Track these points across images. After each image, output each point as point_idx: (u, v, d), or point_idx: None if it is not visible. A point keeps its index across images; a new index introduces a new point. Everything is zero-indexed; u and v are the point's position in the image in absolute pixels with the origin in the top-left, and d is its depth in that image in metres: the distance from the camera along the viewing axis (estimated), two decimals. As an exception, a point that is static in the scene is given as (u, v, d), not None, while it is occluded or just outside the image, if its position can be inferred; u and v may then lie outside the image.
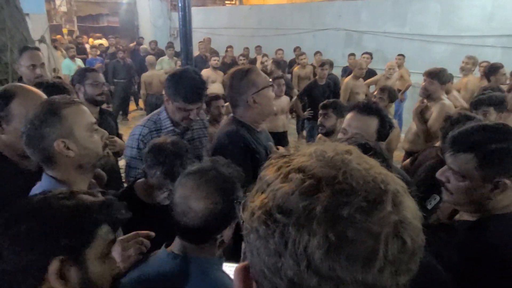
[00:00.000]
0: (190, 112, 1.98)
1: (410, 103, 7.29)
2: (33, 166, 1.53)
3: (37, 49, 3.01)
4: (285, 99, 4.85)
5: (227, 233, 1.19)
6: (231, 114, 2.02)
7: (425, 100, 3.58)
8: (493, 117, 2.54)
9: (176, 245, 1.20)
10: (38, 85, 2.21)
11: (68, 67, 7.28)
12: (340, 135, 1.80)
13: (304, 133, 6.01)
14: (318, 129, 3.27)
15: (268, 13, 10.94)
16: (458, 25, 7.48)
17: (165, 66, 8.06)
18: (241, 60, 7.24)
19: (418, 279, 0.49)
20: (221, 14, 12.08)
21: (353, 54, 7.70)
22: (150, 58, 7.63)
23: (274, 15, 10.71)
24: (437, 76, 3.44)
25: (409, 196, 0.49)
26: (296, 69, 7.48)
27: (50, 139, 1.26)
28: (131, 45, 10.68)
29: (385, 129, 1.75)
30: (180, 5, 2.41)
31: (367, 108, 1.75)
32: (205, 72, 6.30)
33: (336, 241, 0.42)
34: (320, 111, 3.07)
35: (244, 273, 0.53)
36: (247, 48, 9.72)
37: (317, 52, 8.20)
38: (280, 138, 4.40)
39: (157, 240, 1.28)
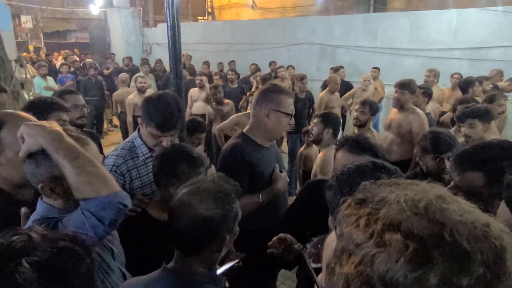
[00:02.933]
0: (163, 139, 1.86)
1: (384, 114, 7.51)
2: (29, 197, 1.46)
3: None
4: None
5: (220, 245, 1.21)
6: (244, 128, 2.11)
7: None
8: (479, 129, 2.63)
9: (173, 259, 1.23)
10: (33, 103, 2.13)
11: (38, 85, 7.03)
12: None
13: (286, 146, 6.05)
14: (302, 138, 3.33)
15: (242, 29, 11.04)
16: (427, 39, 7.82)
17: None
18: (229, 74, 7.25)
19: None
20: (195, 29, 12.09)
21: (340, 68, 7.78)
22: (122, 75, 7.50)
23: (248, 30, 10.83)
24: (408, 87, 3.65)
25: None
26: (275, 82, 7.58)
27: (37, 180, 1.21)
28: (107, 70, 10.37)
29: None
30: (169, 24, 2.38)
31: (358, 146, 1.61)
32: (190, 92, 6.27)
33: None
34: (315, 120, 3.14)
35: None
36: (221, 63, 9.75)
37: (289, 66, 8.32)
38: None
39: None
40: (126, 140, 2.01)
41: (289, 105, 2.00)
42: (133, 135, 2.01)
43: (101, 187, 1.12)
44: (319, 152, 3.14)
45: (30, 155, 1.15)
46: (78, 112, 2.65)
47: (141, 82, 5.96)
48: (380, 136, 4.08)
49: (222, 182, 1.26)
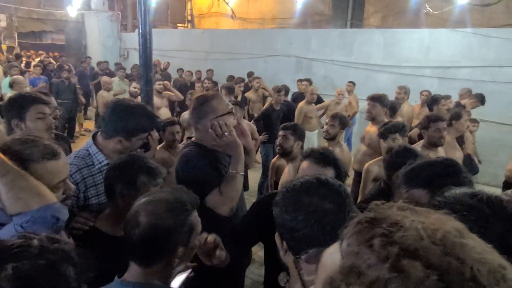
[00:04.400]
0: (152, 133, 1.96)
1: (358, 127, 7.67)
2: None
3: None
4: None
5: (172, 258, 1.18)
6: (193, 138, 2.06)
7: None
8: (400, 142, 2.92)
9: (128, 271, 1.22)
10: (12, 99, 2.13)
11: (7, 86, 6.82)
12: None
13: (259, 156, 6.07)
14: (275, 150, 3.35)
15: (221, 38, 11.09)
16: (399, 56, 8.06)
17: (115, 88, 7.85)
18: (205, 83, 7.25)
19: None
20: (173, 36, 12.05)
21: (307, 80, 7.92)
22: (107, 79, 7.51)
23: (227, 39, 10.88)
24: (379, 100, 3.80)
25: None
26: (248, 93, 7.66)
27: None
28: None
29: (341, 179, 1.71)
30: (140, 31, 2.37)
31: (323, 158, 1.70)
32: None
33: None
34: (280, 132, 3.15)
35: None
36: (199, 71, 9.75)
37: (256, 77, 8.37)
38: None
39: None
40: (80, 148, 1.96)
41: (223, 103, 1.98)
42: (87, 143, 1.97)
43: (32, 201, 1.10)
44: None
45: None
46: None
47: (135, 87, 6.10)
48: (354, 149, 4.19)
49: (180, 193, 1.25)
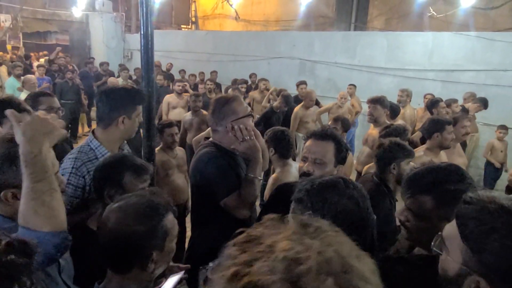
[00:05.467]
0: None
1: (360, 129, 7.64)
2: None
3: None
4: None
5: (146, 263, 1.16)
6: (210, 139, 2.08)
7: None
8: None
9: (106, 277, 1.20)
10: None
11: (12, 86, 6.88)
12: (301, 163, 1.83)
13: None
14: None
15: (224, 39, 11.10)
16: (403, 59, 8.04)
17: (119, 88, 7.89)
18: (208, 84, 7.25)
19: None
20: (177, 38, 12.08)
21: (303, 83, 7.90)
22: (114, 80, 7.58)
23: (230, 41, 10.89)
24: (379, 101, 3.82)
25: None
26: (252, 92, 7.67)
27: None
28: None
29: (341, 152, 1.81)
30: (142, 32, 2.37)
31: (323, 134, 1.81)
32: (167, 98, 6.24)
33: None
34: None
35: None
36: (202, 72, 9.75)
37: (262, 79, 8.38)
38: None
39: None
40: (81, 144, 2.00)
41: (243, 106, 2.02)
42: (87, 139, 2.01)
43: (45, 222, 1.08)
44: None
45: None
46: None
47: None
48: (357, 151, 4.18)
49: (152, 197, 1.23)
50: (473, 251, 0.91)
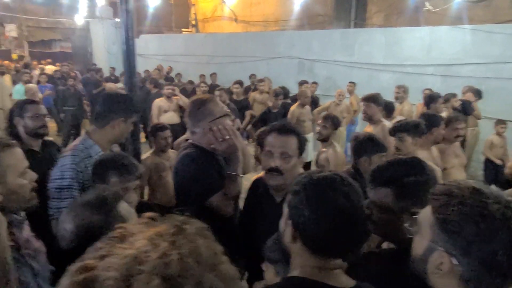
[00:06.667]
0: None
1: (360, 127, 7.61)
2: None
3: None
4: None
5: None
6: (189, 140, 2.10)
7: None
8: (408, 142, 2.77)
9: None
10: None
11: (19, 92, 7.03)
12: (264, 157, 1.85)
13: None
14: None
15: (223, 41, 11.14)
16: (401, 55, 8.00)
17: (119, 93, 7.97)
18: (202, 87, 7.27)
19: None
20: (177, 41, 12.15)
21: (306, 82, 7.94)
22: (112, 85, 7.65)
23: (229, 43, 10.93)
24: (373, 99, 3.79)
25: None
26: (253, 93, 7.68)
27: None
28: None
29: (303, 146, 1.85)
30: (124, 38, 2.41)
31: (286, 129, 1.82)
32: (157, 102, 6.25)
33: None
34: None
35: None
36: (203, 75, 9.79)
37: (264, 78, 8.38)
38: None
39: None
40: (73, 143, 2.09)
41: (219, 106, 2.04)
42: (80, 139, 2.10)
43: None
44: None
45: None
46: (39, 122, 2.65)
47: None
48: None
49: (98, 190, 1.28)
50: (440, 224, 0.94)
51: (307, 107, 5.94)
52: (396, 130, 2.92)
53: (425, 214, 1.02)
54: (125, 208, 1.26)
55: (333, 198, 1.06)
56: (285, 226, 1.12)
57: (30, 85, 6.36)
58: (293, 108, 5.81)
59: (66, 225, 1.19)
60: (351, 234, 1.07)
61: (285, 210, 1.13)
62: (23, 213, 1.50)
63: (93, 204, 1.21)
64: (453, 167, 3.57)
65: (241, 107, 6.69)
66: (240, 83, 7.76)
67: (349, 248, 1.09)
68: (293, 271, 1.10)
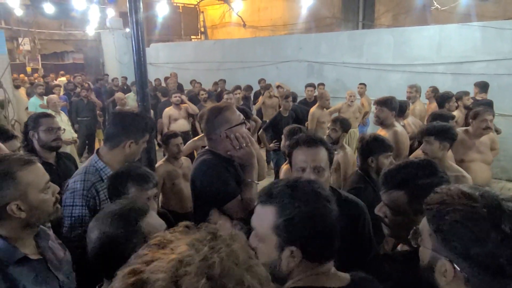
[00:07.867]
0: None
1: (372, 129, 7.57)
2: None
3: None
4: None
5: None
6: (206, 147, 2.14)
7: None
8: (435, 146, 2.64)
9: (104, 285, 1.23)
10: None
11: (34, 104, 7.17)
12: (296, 173, 1.75)
13: (271, 164, 6.10)
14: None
15: (232, 47, 11.21)
16: (410, 54, 7.94)
17: (131, 103, 8.05)
18: (202, 94, 7.29)
19: None
20: (186, 49, 12.26)
21: (322, 84, 7.95)
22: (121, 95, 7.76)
23: (238, 49, 10.99)
24: (386, 104, 3.67)
25: None
26: (263, 97, 7.71)
27: (2, 201, 1.26)
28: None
29: (332, 157, 1.79)
30: (134, 48, 2.46)
31: (314, 141, 1.74)
32: (167, 111, 6.30)
33: None
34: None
35: None
36: (216, 83, 9.77)
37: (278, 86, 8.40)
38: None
39: None
40: (85, 165, 2.06)
41: (236, 114, 2.06)
42: (91, 160, 2.07)
43: None
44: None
45: None
46: (53, 135, 2.70)
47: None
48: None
49: (127, 203, 1.27)
50: (436, 234, 0.97)
51: (325, 109, 5.94)
52: (423, 134, 2.81)
53: (424, 225, 1.06)
54: (154, 217, 1.27)
55: (322, 204, 1.08)
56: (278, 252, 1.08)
57: (52, 96, 6.47)
58: (313, 109, 5.82)
59: (91, 235, 1.22)
60: (336, 234, 1.10)
61: (273, 238, 1.08)
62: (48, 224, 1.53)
63: (118, 216, 1.22)
64: (472, 162, 3.49)
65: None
66: (246, 89, 7.76)
67: (336, 248, 1.11)
68: (295, 283, 1.10)
